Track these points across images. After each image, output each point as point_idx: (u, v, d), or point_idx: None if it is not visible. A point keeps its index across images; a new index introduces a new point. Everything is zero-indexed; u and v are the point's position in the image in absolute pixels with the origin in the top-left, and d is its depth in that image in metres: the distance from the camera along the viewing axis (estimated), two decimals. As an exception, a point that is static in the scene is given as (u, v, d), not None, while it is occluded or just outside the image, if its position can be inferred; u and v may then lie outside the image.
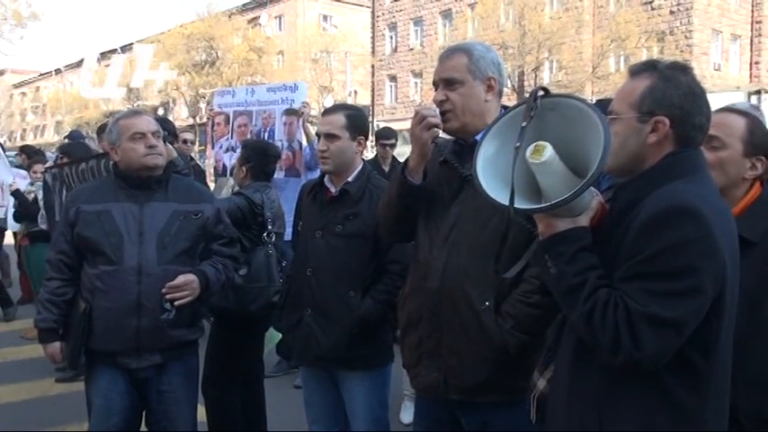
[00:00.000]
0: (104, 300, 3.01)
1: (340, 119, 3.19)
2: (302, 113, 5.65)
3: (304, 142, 5.70)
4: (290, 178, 5.67)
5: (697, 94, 1.84)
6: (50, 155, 10.97)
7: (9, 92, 75.00)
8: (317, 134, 3.23)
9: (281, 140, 5.66)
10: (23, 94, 74.21)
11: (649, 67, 1.89)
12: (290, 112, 5.72)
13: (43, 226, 5.74)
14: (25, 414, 5.06)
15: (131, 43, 54.33)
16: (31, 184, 7.34)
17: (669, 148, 1.83)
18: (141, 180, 3.12)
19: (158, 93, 49.52)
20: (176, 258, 3.06)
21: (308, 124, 5.81)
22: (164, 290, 2.98)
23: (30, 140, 55.88)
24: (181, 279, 3.01)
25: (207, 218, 3.20)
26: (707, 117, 1.86)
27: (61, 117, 61.18)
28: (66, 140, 8.47)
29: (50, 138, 61.32)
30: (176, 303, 3.00)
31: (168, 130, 6.50)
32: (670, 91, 1.81)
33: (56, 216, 4.57)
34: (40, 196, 5.92)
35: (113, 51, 53.10)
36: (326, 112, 3.29)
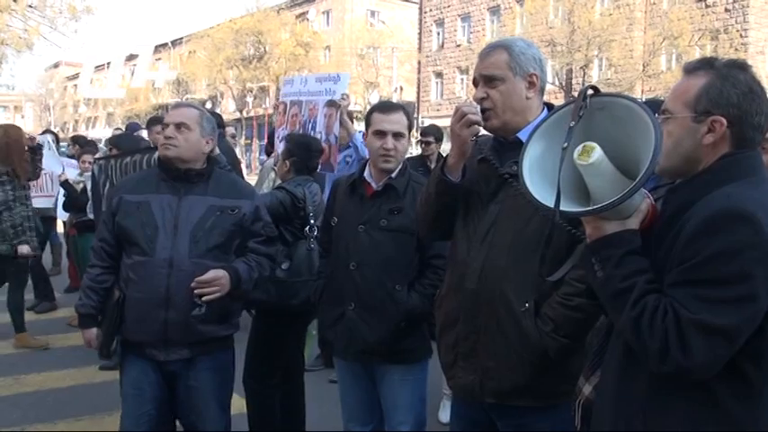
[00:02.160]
0: (135, 290, 3.04)
1: (403, 118, 3.21)
2: (340, 105, 5.48)
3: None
4: (324, 173, 5.48)
5: (756, 93, 1.77)
6: (102, 147, 11.19)
7: (63, 84, 76.77)
8: (379, 132, 3.18)
9: (320, 132, 5.51)
10: (76, 86, 75.83)
11: (705, 64, 1.83)
12: (330, 104, 5.55)
13: (92, 216, 5.84)
14: (70, 400, 5.17)
15: (181, 38, 55.28)
16: (80, 174, 7.48)
17: (725, 149, 1.76)
18: (180, 172, 3.12)
19: (207, 86, 50.20)
20: (208, 252, 3.05)
21: (347, 117, 5.61)
22: (192, 284, 2.95)
23: (81, 131, 57.10)
24: (210, 274, 2.98)
25: (243, 214, 3.17)
26: (766, 116, 1.79)
27: (112, 109, 62.44)
28: (121, 132, 8.62)
29: (102, 129, 62.62)
30: (204, 299, 2.97)
31: (217, 124, 6.54)
32: (728, 90, 1.75)
33: (102, 207, 4.64)
34: (89, 186, 6.03)
35: (164, 45, 54.07)
36: (388, 110, 3.25)
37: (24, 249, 6.20)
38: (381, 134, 3.17)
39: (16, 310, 6.51)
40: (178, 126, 3.11)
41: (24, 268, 6.64)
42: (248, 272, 3.15)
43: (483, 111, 2.38)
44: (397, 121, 3.18)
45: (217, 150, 3.69)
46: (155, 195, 3.10)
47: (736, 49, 28.52)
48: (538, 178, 1.83)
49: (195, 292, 2.96)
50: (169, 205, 3.07)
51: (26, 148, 6.46)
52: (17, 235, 6.13)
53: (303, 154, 4.16)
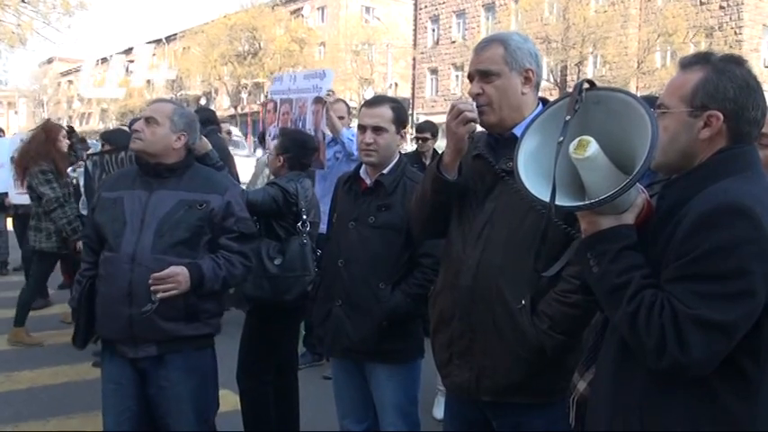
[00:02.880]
0: (103, 286, 3.05)
1: (387, 112, 3.15)
2: (325, 102, 5.40)
3: (328, 132, 5.52)
4: (313, 169, 5.40)
5: (752, 87, 1.76)
6: (93, 142, 11.15)
7: (57, 79, 76.41)
8: (360, 126, 3.16)
9: (310, 129, 5.44)
10: (70, 81, 75.42)
11: (701, 59, 1.82)
12: (317, 101, 5.50)
13: (84, 212, 5.81)
14: (63, 397, 5.15)
15: (175, 34, 55.10)
16: (74, 170, 7.44)
17: (721, 143, 1.75)
18: (151, 167, 3.11)
19: (201, 82, 50.08)
20: (172, 248, 2.98)
21: (332, 113, 5.53)
22: (150, 281, 2.88)
23: (75, 127, 56.86)
24: (167, 270, 2.90)
25: (212, 209, 3.07)
26: (762, 111, 1.78)
27: (106, 105, 62.20)
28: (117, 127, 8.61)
29: (95, 125, 62.42)
30: (159, 296, 2.88)
31: (209, 119, 6.51)
32: (724, 84, 1.73)
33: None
34: (82, 182, 6.00)
35: (158, 41, 53.90)
36: (371, 104, 3.23)
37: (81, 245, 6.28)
38: (362, 128, 3.16)
39: (25, 304, 6.53)
40: (148, 120, 3.11)
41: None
42: (213, 270, 3.04)
43: (478, 106, 2.35)
44: (377, 115, 3.14)
45: (209, 146, 3.65)
46: (129, 191, 3.09)
47: (731, 47, 28.55)
48: (533, 173, 1.81)
49: (151, 288, 2.89)
50: (139, 200, 3.05)
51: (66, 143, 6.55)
52: (74, 231, 6.18)
53: (298, 151, 4.13)
